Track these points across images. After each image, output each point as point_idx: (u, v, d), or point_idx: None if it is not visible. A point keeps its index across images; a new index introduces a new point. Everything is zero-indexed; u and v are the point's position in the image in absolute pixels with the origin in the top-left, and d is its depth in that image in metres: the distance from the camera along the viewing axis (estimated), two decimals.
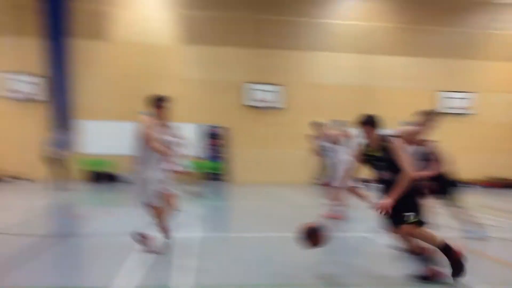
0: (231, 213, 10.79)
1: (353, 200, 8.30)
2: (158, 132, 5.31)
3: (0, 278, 4.44)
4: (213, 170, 17.30)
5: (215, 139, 17.58)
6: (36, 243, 6.06)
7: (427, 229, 4.62)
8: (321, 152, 9.75)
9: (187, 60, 17.73)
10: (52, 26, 16.25)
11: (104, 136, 16.37)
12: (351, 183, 7.47)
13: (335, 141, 9.02)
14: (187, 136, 12.23)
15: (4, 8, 16.53)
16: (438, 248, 4.61)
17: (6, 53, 16.47)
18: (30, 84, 16.56)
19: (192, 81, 17.58)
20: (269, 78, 17.83)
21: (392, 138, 4.73)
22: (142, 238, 5.45)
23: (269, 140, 17.85)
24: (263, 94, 17.76)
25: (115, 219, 8.34)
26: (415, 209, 4.59)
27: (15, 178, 15.95)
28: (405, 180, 4.50)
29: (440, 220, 5.88)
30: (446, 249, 4.58)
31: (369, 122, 4.79)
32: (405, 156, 4.64)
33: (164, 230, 5.63)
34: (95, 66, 17.07)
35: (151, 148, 5.17)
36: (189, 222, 7.92)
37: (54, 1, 16.24)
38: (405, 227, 4.54)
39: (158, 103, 5.44)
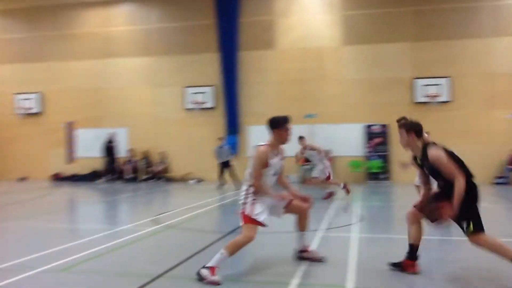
0: (389, 213, 10.54)
1: None
2: (272, 160, 4.90)
3: (165, 268, 5.17)
4: (375, 169, 17.00)
5: (377, 137, 17.24)
6: (203, 237, 6.90)
7: (495, 239, 4.31)
8: None
9: (348, 60, 17.77)
10: (225, 41, 18.17)
11: None
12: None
13: None
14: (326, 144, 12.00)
15: (191, 29, 18.91)
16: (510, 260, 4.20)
17: (190, 69, 18.84)
18: (207, 94, 18.62)
19: (354, 81, 17.56)
20: (434, 71, 16.75)
21: (431, 149, 4.47)
22: (302, 253, 5.39)
23: (435, 136, 16.75)
24: (428, 88, 16.78)
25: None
26: (470, 215, 4.28)
27: (194, 179, 18.07)
28: (461, 187, 4.20)
29: None
30: None
31: (404, 126, 4.64)
32: (449, 163, 4.34)
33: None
34: (261, 74, 18.31)
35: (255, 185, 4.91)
36: (348, 222, 8.05)
37: (227, 18, 18.13)
38: (472, 238, 4.29)
39: (278, 125, 4.96)
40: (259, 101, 18.03)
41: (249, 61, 18.23)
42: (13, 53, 20.63)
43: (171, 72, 19.19)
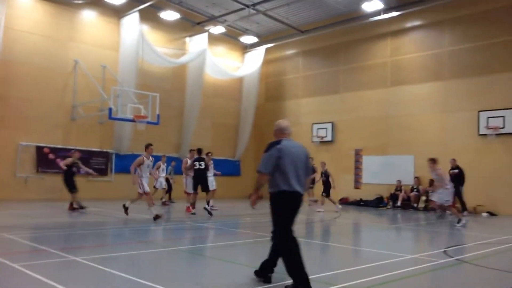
0: None
1: None
2: None
3: None
4: None
5: None
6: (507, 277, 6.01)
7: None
8: None
9: None
10: None
11: None
12: None
13: None
14: None
15: (489, 48, 17.47)
16: None
17: (486, 91, 17.28)
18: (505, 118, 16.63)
19: None
20: None
21: None
22: None
23: None
24: None
25: None
26: None
27: (486, 212, 16.28)
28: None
29: None
30: None
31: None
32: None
33: None
34: None
35: None
36: None
37: None
38: None
39: None
40: None
41: None
42: (313, 88, 23.27)
43: (462, 96, 17.97)
